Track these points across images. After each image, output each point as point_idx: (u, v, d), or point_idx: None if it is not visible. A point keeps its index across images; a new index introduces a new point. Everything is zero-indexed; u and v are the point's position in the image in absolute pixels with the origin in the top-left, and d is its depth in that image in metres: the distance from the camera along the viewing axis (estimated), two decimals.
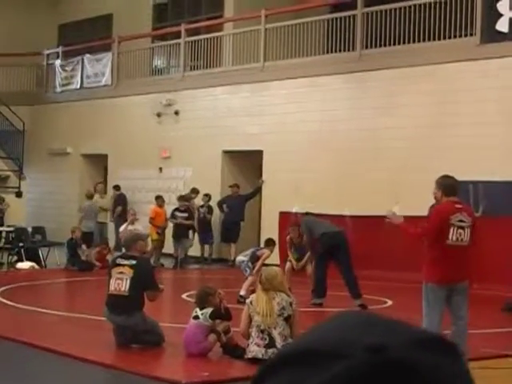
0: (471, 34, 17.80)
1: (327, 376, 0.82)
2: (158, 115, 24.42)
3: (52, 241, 22.19)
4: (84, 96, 27.02)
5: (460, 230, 8.69)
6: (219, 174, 22.81)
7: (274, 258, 16.00)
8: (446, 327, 8.67)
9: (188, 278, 19.53)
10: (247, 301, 9.61)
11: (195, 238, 21.90)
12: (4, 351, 10.01)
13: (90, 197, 22.69)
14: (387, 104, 18.99)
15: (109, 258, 18.19)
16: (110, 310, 10.02)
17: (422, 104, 18.31)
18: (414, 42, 18.80)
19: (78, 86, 27.72)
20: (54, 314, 12.92)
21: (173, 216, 21.28)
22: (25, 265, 19.79)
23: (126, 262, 10.10)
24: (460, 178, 9.91)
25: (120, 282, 9.97)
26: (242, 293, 13.58)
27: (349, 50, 20.12)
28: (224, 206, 21.89)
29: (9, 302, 13.62)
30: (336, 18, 20.64)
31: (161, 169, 24.38)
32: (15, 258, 20.59)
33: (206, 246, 22.34)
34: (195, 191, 22.12)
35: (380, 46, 19.51)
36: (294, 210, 18.87)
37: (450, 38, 18.15)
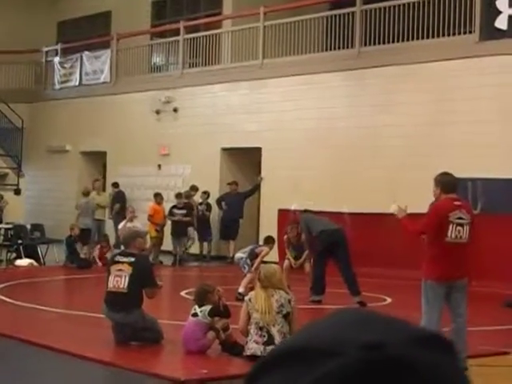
0: (470, 32, 17.80)
1: (319, 374, 0.82)
2: (157, 112, 24.41)
3: (51, 238, 22.19)
4: (83, 93, 27.01)
5: (459, 228, 8.69)
6: (218, 172, 22.81)
7: (273, 255, 16.00)
8: (445, 325, 8.67)
9: (187, 276, 19.53)
10: (246, 298, 9.61)
11: (193, 235, 21.92)
12: (2, 348, 10.01)
13: (86, 194, 22.66)
14: (385, 101, 18.99)
15: (108, 255, 18.18)
16: (109, 307, 10.02)
17: (421, 102, 18.31)
18: (412, 39, 18.80)
19: (77, 83, 27.70)
20: (52, 311, 12.93)
21: (171, 213, 21.27)
22: (23, 262, 19.80)
23: (124, 260, 10.10)
24: (458, 175, 9.92)
25: (119, 279, 9.98)
26: (241, 290, 13.58)
27: (347, 48, 20.12)
28: (223, 203, 21.89)
29: (7, 299, 13.63)
30: (335, 16, 20.64)
31: (160, 166, 24.38)
32: (14, 255, 20.59)
33: (205, 244, 22.34)
34: (194, 188, 22.13)
35: (379, 43, 19.51)
36: (292, 208, 18.87)
37: (448, 35, 18.15)
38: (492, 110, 17.09)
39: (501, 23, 17.09)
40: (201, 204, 22.06)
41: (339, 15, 20.47)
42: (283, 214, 19.71)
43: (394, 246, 17.05)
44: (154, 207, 21.37)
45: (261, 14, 22.02)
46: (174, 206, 21.43)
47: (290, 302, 9.19)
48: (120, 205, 23.27)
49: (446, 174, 9.06)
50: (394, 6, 19.25)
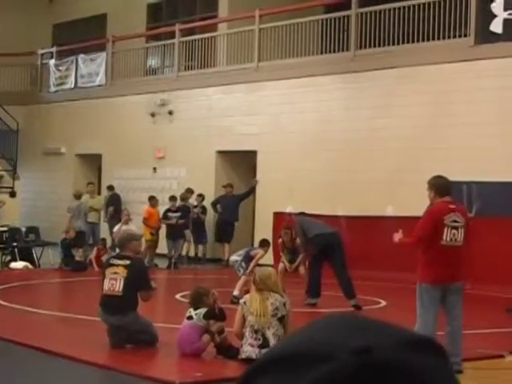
0: (465, 35, 17.83)
1: (310, 379, 0.82)
2: (152, 115, 24.41)
3: (46, 240, 22.15)
4: (78, 96, 27.00)
5: (454, 231, 8.70)
6: (213, 174, 22.81)
7: (268, 258, 16.00)
8: (441, 328, 8.68)
9: (182, 278, 19.51)
10: (241, 301, 9.61)
11: (190, 237, 21.92)
12: None
13: (77, 197, 22.58)
14: (382, 104, 19.00)
15: (104, 258, 18.16)
16: (104, 310, 10.02)
17: (417, 104, 18.33)
18: (408, 42, 18.83)
19: (72, 86, 27.69)
20: (47, 313, 12.92)
21: (165, 217, 21.24)
22: (18, 264, 19.76)
23: (120, 262, 10.10)
24: (455, 178, 9.93)
25: (114, 282, 9.97)
26: (236, 293, 13.57)
27: (343, 51, 20.14)
28: (218, 205, 21.88)
29: (2, 302, 13.60)
30: (330, 19, 20.66)
31: (155, 169, 24.38)
32: (9, 257, 20.56)
33: (200, 246, 22.34)
34: (190, 191, 22.13)
35: (374, 46, 19.53)
36: (287, 210, 18.89)
37: (444, 38, 18.18)
38: (488, 113, 17.10)
39: (496, 27, 17.11)
40: (196, 207, 22.05)
41: (335, 18, 20.49)
42: (278, 217, 19.71)
43: (388, 248, 17.03)
44: (148, 210, 21.32)
45: (256, 17, 22.02)
46: (168, 210, 21.40)
47: (285, 304, 9.19)
48: (114, 207, 23.25)
49: (439, 177, 9.08)
50: (390, 9, 19.28)
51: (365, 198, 18.54)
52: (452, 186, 9.39)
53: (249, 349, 9.02)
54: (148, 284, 10.17)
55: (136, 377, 8.62)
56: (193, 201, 22.16)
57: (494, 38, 17.13)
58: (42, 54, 29.41)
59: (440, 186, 8.89)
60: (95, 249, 20.28)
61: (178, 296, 14.74)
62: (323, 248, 14.04)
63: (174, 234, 21.12)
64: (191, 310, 9.63)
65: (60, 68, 28.26)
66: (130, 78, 25.96)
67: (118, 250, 11.69)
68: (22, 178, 27.95)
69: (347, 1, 20.16)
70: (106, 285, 10.03)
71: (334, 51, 20.36)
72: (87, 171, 27.42)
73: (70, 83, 27.80)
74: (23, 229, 22.41)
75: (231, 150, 22.34)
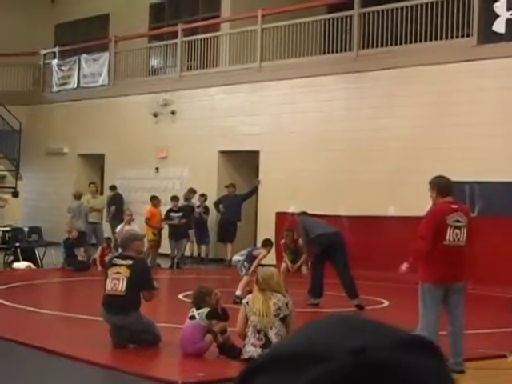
0: (468, 35, 17.82)
1: (307, 379, 0.83)
2: (155, 115, 24.42)
3: (48, 240, 22.15)
4: (81, 96, 27.01)
5: (456, 231, 8.70)
6: (216, 174, 22.81)
7: (270, 258, 16.01)
8: (443, 328, 8.68)
9: (184, 278, 19.51)
10: (243, 301, 9.61)
11: (193, 238, 21.94)
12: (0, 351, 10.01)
13: (78, 197, 22.55)
14: (384, 104, 18.99)
15: (107, 258, 18.17)
16: (107, 309, 10.03)
17: (419, 104, 18.32)
18: (410, 42, 18.81)
19: (75, 86, 27.70)
20: (50, 313, 12.93)
21: (167, 217, 21.24)
22: (21, 265, 19.78)
23: (122, 262, 10.11)
24: (456, 178, 9.92)
25: (117, 281, 9.98)
26: (238, 293, 13.57)
27: (345, 51, 20.13)
28: (220, 205, 21.89)
29: (5, 302, 13.61)
30: (333, 19, 20.65)
31: (157, 169, 24.38)
32: (11, 257, 20.57)
33: (203, 246, 22.35)
34: (192, 191, 22.13)
35: (377, 46, 19.52)
36: (290, 210, 18.89)
37: (446, 38, 18.16)
38: (491, 113, 17.09)
39: (498, 27, 17.11)
40: (198, 207, 22.06)
41: (337, 18, 20.48)
42: (281, 217, 19.72)
43: (390, 248, 17.05)
44: (151, 210, 21.33)
45: (259, 17, 22.03)
46: (170, 210, 21.41)
47: (287, 304, 9.19)
48: (116, 207, 23.25)
49: (440, 177, 9.08)
50: (392, 10, 19.27)
51: (366, 198, 18.54)
52: (453, 186, 9.38)
53: (251, 349, 9.02)
54: (150, 284, 10.18)
55: (138, 377, 8.62)
56: (195, 201, 22.17)
57: (497, 37, 17.13)
58: (45, 54, 29.42)
59: (442, 187, 8.89)
60: (100, 248, 20.28)
61: (180, 296, 14.75)
62: (326, 248, 14.04)
63: (177, 234, 21.14)
64: (194, 309, 9.63)
65: (62, 68, 28.28)
66: (132, 78, 25.98)
67: (120, 250, 11.70)
68: (25, 178, 27.97)
69: (350, 1, 20.15)
70: (109, 285, 10.04)
71: (337, 51, 20.36)
72: (90, 171, 27.43)
73: (73, 83, 27.81)
74: (26, 229, 22.44)
75: (234, 150, 22.34)
